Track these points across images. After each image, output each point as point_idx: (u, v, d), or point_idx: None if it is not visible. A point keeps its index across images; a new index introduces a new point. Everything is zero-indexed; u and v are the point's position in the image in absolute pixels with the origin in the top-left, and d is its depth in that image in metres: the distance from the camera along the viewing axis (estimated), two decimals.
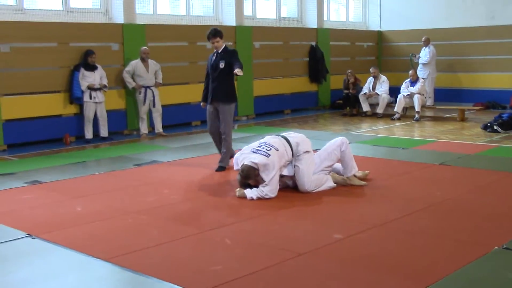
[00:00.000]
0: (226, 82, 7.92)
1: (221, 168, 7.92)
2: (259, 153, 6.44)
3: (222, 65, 7.81)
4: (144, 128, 11.57)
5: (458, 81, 16.51)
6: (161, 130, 11.64)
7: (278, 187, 6.49)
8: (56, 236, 5.20)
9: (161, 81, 11.66)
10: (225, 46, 7.93)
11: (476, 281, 4.09)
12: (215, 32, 7.79)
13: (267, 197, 6.36)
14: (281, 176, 6.62)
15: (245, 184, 6.60)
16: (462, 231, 5.18)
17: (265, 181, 6.40)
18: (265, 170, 6.37)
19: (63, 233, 5.31)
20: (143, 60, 11.41)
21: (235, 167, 6.77)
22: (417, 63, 15.65)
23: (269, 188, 6.38)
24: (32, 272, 4.41)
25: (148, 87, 11.46)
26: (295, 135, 6.90)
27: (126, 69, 11.36)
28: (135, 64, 11.36)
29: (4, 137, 10.12)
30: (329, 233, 5.18)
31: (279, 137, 6.79)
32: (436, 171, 7.77)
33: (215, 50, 7.93)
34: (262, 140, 6.75)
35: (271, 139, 6.72)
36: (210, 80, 8.00)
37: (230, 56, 7.83)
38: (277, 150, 6.48)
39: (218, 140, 8.14)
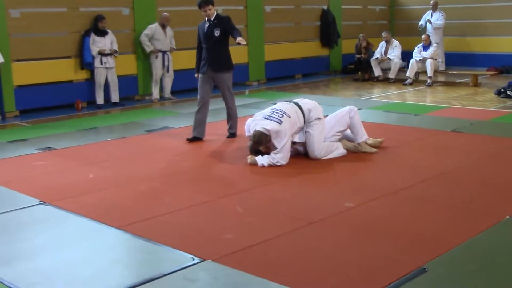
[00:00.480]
0: (223, 50, 7.73)
1: (232, 135, 7.94)
2: (272, 120, 6.42)
3: (217, 33, 7.58)
4: (156, 92, 11.66)
5: (471, 45, 16.29)
6: (170, 94, 11.89)
7: (289, 154, 6.49)
8: (69, 203, 5.25)
9: (174, 47, 11.76)
10: (217, 13, 7.70)
11: (488, 250, 4.10)
12: (207, 0, 7.52)
13: (278, 164, 6.37)
14: (293, 143, 6.63)
15: (256, 151, 6.62)
16: (473, 200, 5.18)
17: (276, 148, 6.41)
18: (277, 137, 6.37)
19: (76, 200, 5.36)
20: (163, 26, 11.46)
21: (247, 134, 6.77)
22: (423, 29, 15.28)
23: (281, 155, 6.38)
24: (47, 240, 4.46)
25: (165, 52, 11.55)
26: (307, 101, 6.88)
27: (145, 32, 11.39)
28: (154, 28, 11.41)
29: (16, 103, 10.16)
30: (340, 201, 5.19)
31: (291, 103, 6.76)
32: (448, 138, 7.72)
33: (206, 18, 7.65)
34: (274, 106, 6.73)
35: (283, 105, 6.69)
36: (204, 49, 7.75)
37: (224, 23, 7.62)
38: (289, 117, 6.46)
39: (204, 114, 7.76)
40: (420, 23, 15.37)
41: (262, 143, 6.45)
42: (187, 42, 12.43)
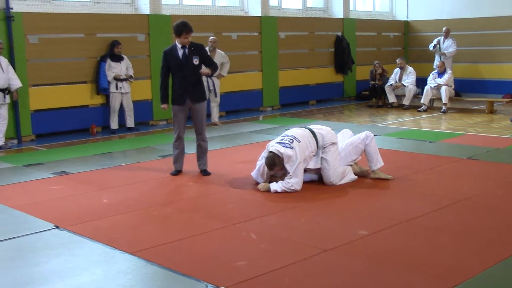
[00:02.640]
0: (200, 79, 7.35)
1: (206, 172, 7.43)
2: (283, 145, 6.45)
3: (196, 61, 7.19)
4: None
5: (486, 72, 16.26)
6: (217, 119, 11.81)
7: (303, 179, 6.48)
8: (83, 228, 5.27)
9: (224, 74, 11.75)
10: (190, 41, 7.26)
11: (504, 282, 4.04)
12: (191, 27, 7.11)
13: (292, 188, 6.36)
14: (307, 170, 6.62)
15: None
16: (489, 229, 5.12)
17: (289, 173, 6.40)
18: (290, 161, 6.39)
19: (90, 225, 5.37)
20: (212, 50, 11.37)
21: (255, 178, 6.83)
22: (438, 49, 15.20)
23: (295, 180, 6.38)
24: (61, 265, 4.46)
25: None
26: (321, 127, 6.91)
27: None
28: None
29: (33, 127, 10.26)
30: (354, 229, 5.15)
31: (304, 128, 6.81)
32: (463, 165, 7.67)
33: (179, 45, 7.16)
34: (286, 132, 6.77)
35: (294, 130, 6.75)
36: (179, 78, 7.23)
37: (203, 53, 7.29)
38: (299, 142, 6.48)
39: (183, 148, 7.51)
40: (430, 45, 15.27)
41: (276, 164, 6.44)
42: None
